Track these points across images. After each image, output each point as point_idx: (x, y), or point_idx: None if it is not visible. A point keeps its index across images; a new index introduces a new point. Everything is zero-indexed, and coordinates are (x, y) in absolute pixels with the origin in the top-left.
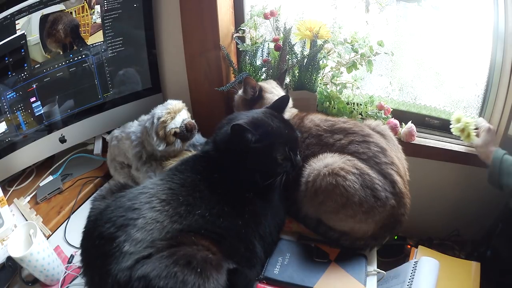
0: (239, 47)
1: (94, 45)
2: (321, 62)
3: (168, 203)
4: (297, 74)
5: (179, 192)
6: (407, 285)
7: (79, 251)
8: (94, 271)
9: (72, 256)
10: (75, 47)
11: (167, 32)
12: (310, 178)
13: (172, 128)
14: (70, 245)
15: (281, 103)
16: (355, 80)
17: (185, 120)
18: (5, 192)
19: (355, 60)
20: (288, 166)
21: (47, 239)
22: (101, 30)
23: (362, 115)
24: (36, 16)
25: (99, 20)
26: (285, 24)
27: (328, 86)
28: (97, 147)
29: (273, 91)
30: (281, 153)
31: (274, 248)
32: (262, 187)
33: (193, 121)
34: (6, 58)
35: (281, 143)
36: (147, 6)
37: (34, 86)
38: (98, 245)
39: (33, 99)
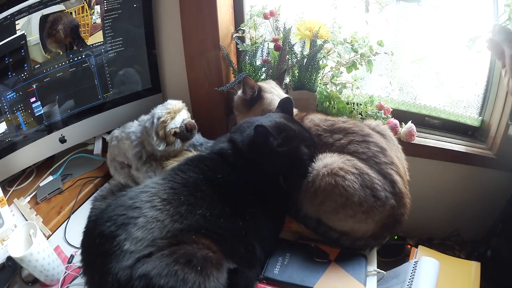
0: (238, 47)
1: (94, 45)
2: (321, 62)
3: (169, 202)
4: (297, 74)
5: (180, 191)
6: (407, 285)
7: (80, 251)
8: (94, 270)
9: (72, 256)
10: (75, 47)
11: (167, 32)
12: (310, 178)
13: (172, 128)
14: (70, 245)
15: (288, 106)
16: (355, 80)
17: (185, 120)
18: (5, 192)
19: (355, 60)
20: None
21: (47, 239)
22: (101, 30)
23: (362, 115)
24: (36, 17)
25: (99, 20)
26: (284, 24)
27: (328, 86)
28: (97, 147)
29: (273, 91)
30: (307, 154)
31: (274, 249)
32: (266, 188)
33: (193, 121)
34: (6, 58)
35: (307, 145)
36: (147, 6)
37: (34, 86)
38: (98, 244)
39: (33, 99)
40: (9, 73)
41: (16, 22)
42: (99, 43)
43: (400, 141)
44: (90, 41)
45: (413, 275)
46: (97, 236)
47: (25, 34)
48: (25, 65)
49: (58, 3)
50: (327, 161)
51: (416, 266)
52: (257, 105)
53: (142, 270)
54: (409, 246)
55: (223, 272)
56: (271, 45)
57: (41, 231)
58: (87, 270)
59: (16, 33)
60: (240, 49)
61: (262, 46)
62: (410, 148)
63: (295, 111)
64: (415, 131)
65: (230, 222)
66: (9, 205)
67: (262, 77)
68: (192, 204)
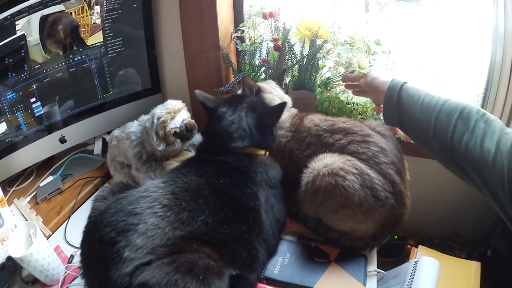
0: (238, 47)
1: (94, 45)
2: (320, 62)
3: (170, 208)
4: (297, 74)
5: (182, 197)
6: (407, 285)
7: (79, 251)
8: (94, 275)
9: (72, 256)
10: (75, 48)
11: (167, 32)
12: (310, 179)
13: (172, 128)
14: (70, 245)
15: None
16: None
17: (185, 120)
18: (5, 192)
19: None
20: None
21: (47, 239)
22: (101, 31)
23: (362, 115)
24: (36, 17)
25: (98, 21)
26: (284, 24)
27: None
28: (97, 147)
29: (272, 91)
30: (229, 114)
31: (276, 249)
32: (264, 185)
33: (193, 121)
34: (6, 59)
35: (227, 106)
36: (146, 7)
37: (34, 87)
38: (98, 249)
39: (33, 99)
40: (9, 73)
41: (16, 23)
42: (99, 44)
43: (400, 141)
44: (90, 41)
45: (413, 275)
46: (97, 241)
47: (25, 34)
48: (25, 65)
49: (58, 3)
50: (327, 161)
51: (416, 266)
52: None
53: (141, 278)
54: (409, 246)
55: (224, 280)
56: (271, 45)
57: (41, 231)
58: (87, 274)
59: (16, 34)
60: (239, 49)
61: (261, 46)
62: (410, 148)
63: (295, 111)
64: None
65: (233, 227)
66: (9, 205)
67: (262, 77)
68: (194, 210)
